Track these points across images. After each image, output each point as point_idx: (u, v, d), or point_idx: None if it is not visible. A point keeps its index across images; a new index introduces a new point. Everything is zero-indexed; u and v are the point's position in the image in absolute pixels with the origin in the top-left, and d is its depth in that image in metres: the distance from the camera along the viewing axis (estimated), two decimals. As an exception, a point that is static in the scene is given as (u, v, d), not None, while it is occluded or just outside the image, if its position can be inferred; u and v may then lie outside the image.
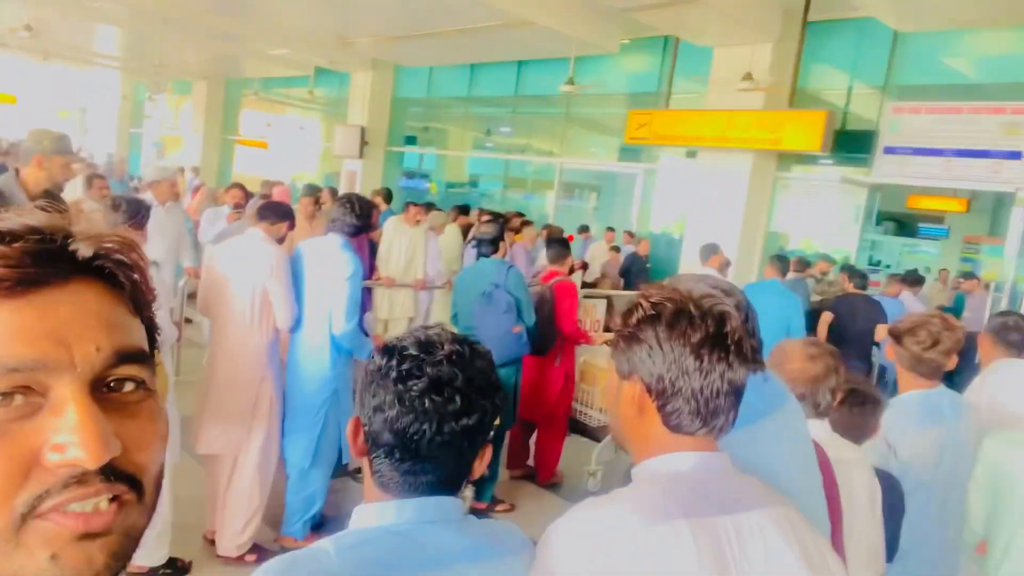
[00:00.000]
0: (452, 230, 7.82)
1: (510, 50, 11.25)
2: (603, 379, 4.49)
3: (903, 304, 6.95)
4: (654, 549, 0.97)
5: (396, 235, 6.56)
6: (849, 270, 7.93)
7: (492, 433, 1.06)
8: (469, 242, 7.68)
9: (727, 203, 8.57)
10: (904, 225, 12.97)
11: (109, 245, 0.53)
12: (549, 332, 4.33)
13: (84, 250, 0.51)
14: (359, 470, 3.90)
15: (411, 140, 15.17)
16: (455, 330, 1.12)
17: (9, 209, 0.52)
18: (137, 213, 3.16)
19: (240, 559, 3.34)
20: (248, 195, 6.71)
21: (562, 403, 4.55)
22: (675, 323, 1.05)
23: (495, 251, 4.20)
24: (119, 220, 3.03)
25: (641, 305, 1.10)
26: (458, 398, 0.97)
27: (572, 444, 4.80)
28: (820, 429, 1.87)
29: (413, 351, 0.99)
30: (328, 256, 3.35)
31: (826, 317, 6.02)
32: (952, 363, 2.36)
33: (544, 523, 1.06)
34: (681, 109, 9.51)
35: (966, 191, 9.12)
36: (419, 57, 13.08)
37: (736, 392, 1.07)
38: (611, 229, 10.19)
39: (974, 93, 7.80)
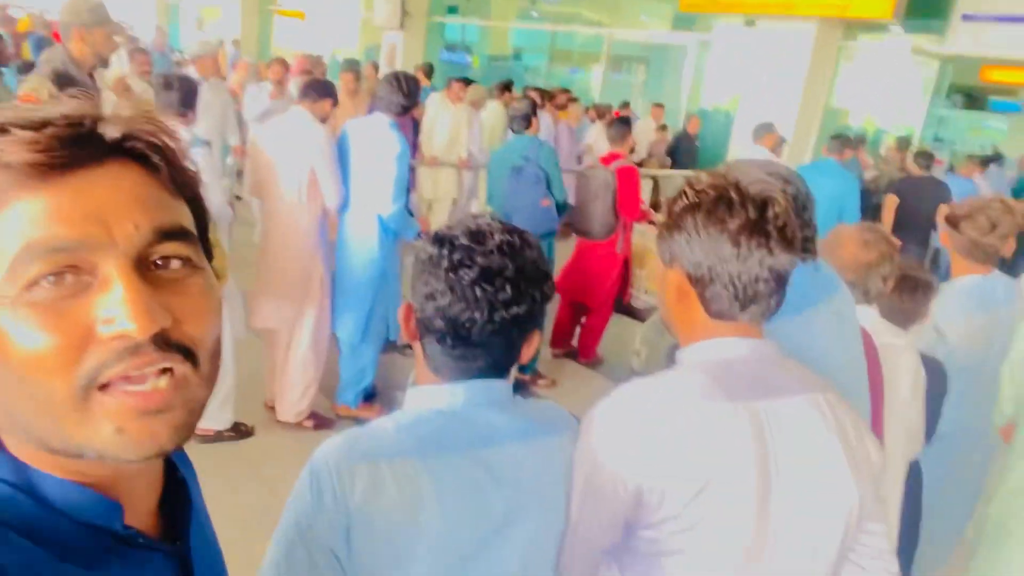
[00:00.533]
0: (495, 107, 7.63)
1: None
2: (651, 262, 4.49)
3: (976, 186, 6.66)
4: (710, 423, 1.01)
5: (439, 113, 6.44)
6: (910, 148, 7.56)
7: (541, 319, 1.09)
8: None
9: (786, 76, 8.13)
10: (974, 99, 12.18)
11: (139, 128, 0.54)
12: (611, 217, 4.31)
13: (112, 132, 0.52)
14: (407, 346, 4.07)
15: (452, 10, 14.55)
16: (494, 212, 1.12)
17: (47, 101, 0.53)
18: (190, 92, 3.15)
19: (299, 424, 3.57)
20: (287, 68, 6.61)
21: (616, 288, 4.58)
22: (714, 210, 1.05)
23: (528, 127, 4.18)
24: (173, 100, 3.03)
25: (686, 193, 1.09)
26: (508, 287, 0.99)
27: (616, 324, 4.87)
28: (869, 315, 1.87)
29: (464, 240, 1.00)
30: (375, 136, 3.33)
31: (891, 201, 5.79)
32: (1009, 248, 2.29)
33: (584, 399, 1.10)
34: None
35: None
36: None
37: (778, 278, 1.06)
38: (659, 105, 9.78)
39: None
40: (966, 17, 7.29)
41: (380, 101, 3.38)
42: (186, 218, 0.56)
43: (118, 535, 0.56)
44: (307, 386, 3.53)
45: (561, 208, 4.16)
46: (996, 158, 7.61)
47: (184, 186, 0.57)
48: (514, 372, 1.12)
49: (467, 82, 7.27)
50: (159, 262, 0.53)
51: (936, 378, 2.01)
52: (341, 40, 17.17)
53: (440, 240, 1.02)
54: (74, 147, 0.50)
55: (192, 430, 0.54)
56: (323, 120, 3.39)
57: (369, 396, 3.80)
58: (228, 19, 18.00)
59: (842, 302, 1.49)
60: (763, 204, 1.04)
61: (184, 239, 0.54)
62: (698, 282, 1.08)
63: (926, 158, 6.24)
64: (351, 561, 0.98)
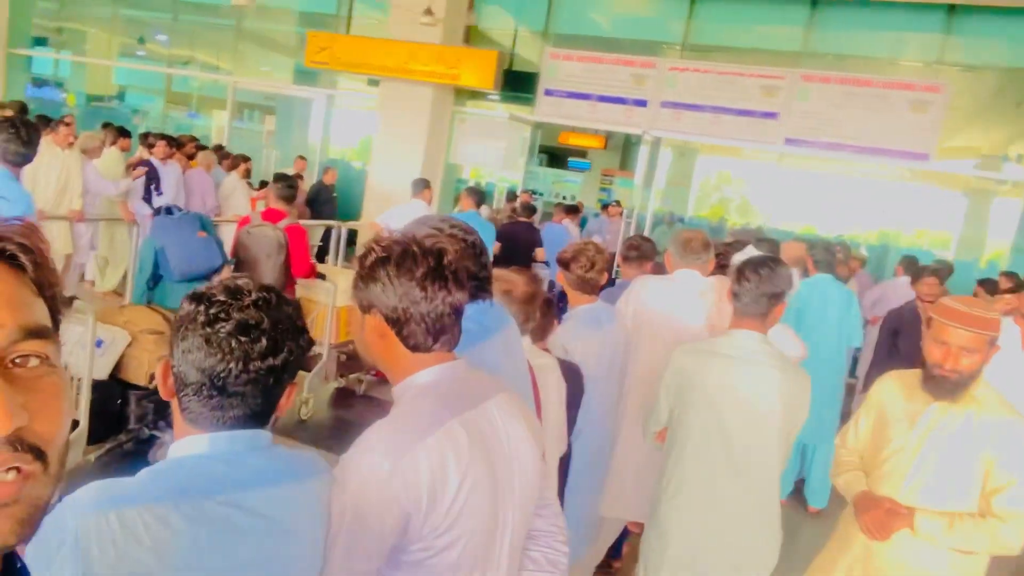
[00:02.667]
0: (113, 154, 6.93)
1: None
2: (313, 310, 4.56)
3: (567, 231, 8.13)
4: (445, 440, 1.21)
5: (45, 158, 5.63)
6: (515, 200, 8.95)
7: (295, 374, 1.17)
8: (132, 167, 6.89)
9: (409, 133, 8.90)
10: (557, 158, 14.71)
11: (9, 231, 0.57)
12: (282, 275, 4.30)
13: None
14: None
15: (40, 42, 12.71)
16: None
17: None
18: None
19: None
20: None
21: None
22: (402, 262, 1.26)
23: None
24: None
25: (374, 249, 1.29)
26: (264, 339, 1.06)
27: None
28: (525, 342, 2.28)
29: (221, 296, 1.06)
30: None
31: (496, 247, 6.74)
32: (604, 279, 2.97)
33: None
34: (364, 36, 9.47)
35: (605, 131, 10.70)
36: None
37: (457, 312, 1.32)
38: (302, 158, 9.86)
39: (613, 46, 9.09)
40: (548, 92, 8.87)
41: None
42: (46, 316, 0.58)
43: None
44: None
45: (218, 241, 4.17)
46: (575, 208, 9.36)
47: (47, 285, 0.59)
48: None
49: (123, 131, 6.76)
50: (17, 360, 0.54)
51: (575, 383, 2.51)
52: None
53: (198, 298, 1.07)
54: None
55: (34, 527, 0.55)
56: None
57: None
58: None
59: (512, 330, 1.85)
60: (439, 254, 1.29)
61: (44, 337, 0.56)
62: (395, 323, 1.28)
63: (529, 209, 7.47)
64: None
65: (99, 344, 3.48)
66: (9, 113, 5.92)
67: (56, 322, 0.61)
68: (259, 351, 1.06)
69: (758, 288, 2.27)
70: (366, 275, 1.28)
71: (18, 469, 0.52)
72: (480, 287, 1.70)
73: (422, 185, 6.28)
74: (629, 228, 8.92)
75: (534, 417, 1.48)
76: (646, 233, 8.77)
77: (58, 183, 5.80)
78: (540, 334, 2.48)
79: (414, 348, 1.29)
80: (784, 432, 2.30)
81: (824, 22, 8.40)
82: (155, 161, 6.92)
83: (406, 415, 1.27)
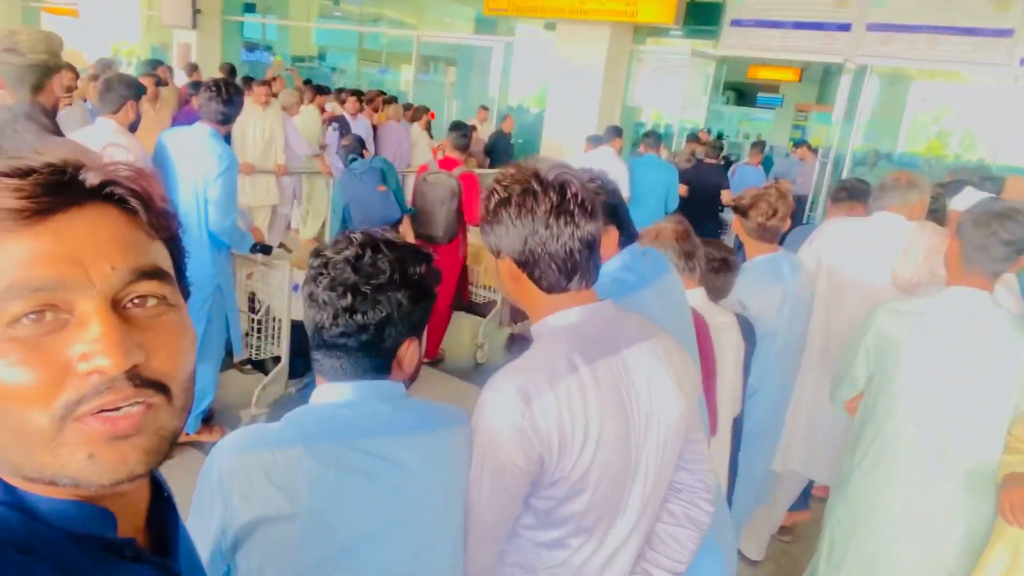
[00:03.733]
0: (309, 111, 7.45)
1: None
2: (485, 259, 4.66)
3: (760, 172, 7.68)
4: (578, 386, 1.16)
5: (248, 117, 6.17)
6: (697, 141, 8.47)
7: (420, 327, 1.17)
8: (328, 123, 7.37)
9: (586, 77, 8.70)
10: (744, 95, 13.76)
11: (119, 174, 0.57)
12: (455, 221, 4.46)
13: (92, 178, 0.55)
14: (246, 362, 3.92)
15: (250, 8, 13.90)
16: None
17: (35, 147, 0.55)
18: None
19: None
20: (77, 75, 6.00)
21: (455, 288, 4.72)
22: (523, 201, 1.19)
23: (361, 157, 4.57)
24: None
25: (496, 190, 1.23)
26: (349, 295, 1.08)
27: (455, 321, 5.02)
28: (697, 296, 2.14)
29: (327, 253, 1.11)
30: (197, 148, 3.17)
31: (682, 189, 6.44)
32: (787, 226, 2.70)
33: (430, 396, 1.22)
34: (539, -22, 9.31)
35: (799, 62, 9.78)
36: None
37: (589, 246, 1.22)
38: (484, 108, 10.04)
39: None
40: (734, 23, 8.24)
41: (200, 110, 3.23)
42: (162, 258, 0.59)
43: (113, 545, 0.58)
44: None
45: (399, 198, 4.35)
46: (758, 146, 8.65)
47: (162, 228, 0.60)
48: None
49: (320, 88, 7.30)
50: (136, 300, 0.56)
51: (749, 341, 2.34)
52: (121, 37, 15.74)
53: (314, 254, 1.12)
54: (56, 193, 0.53)
55: (163, 456, 0.57)
56: (131, 128, 3.16)
57: (208, 419, 3.62)
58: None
59: (671, 282, 1.73)
60: (561, 187, 1.20)
61: (160, 278, 0.57)
62: (525, 265, 1.22)
63: (716, 149, 7.04)
64: (244, 554, 1.02)
65: (295, 288, 3.79)
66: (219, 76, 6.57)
67: (179, 263, 0.63)
68: (344, 306, 1.08)
69: (997, 238, 1.90)
70: (491, 218, 1.23)
71: (140, 403, 0.54)
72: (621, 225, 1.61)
73: (613, 134, 6.11)
74: (825, 169, 8.16)
75: (688, 367, 1.36)
76: (844, 174, 7.99)
77: (263, 139, 6.35)
78: (716, 294, 2.32)
79: (548, 289, 1.24)
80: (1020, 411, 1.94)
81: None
82: (347, 116, 7.36)
83: (538, 359, 1.21)
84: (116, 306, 0.54)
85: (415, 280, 1.13)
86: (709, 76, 9.77)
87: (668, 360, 1.30)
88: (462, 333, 5.28)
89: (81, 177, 0.55)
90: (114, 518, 0.58)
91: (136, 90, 3.16)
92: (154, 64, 6.34)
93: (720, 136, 12.18)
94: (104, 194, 0.56)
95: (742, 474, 2.46)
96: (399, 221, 4.35)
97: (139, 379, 0.54)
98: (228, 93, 3.19)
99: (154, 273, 0.57)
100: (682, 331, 1.74)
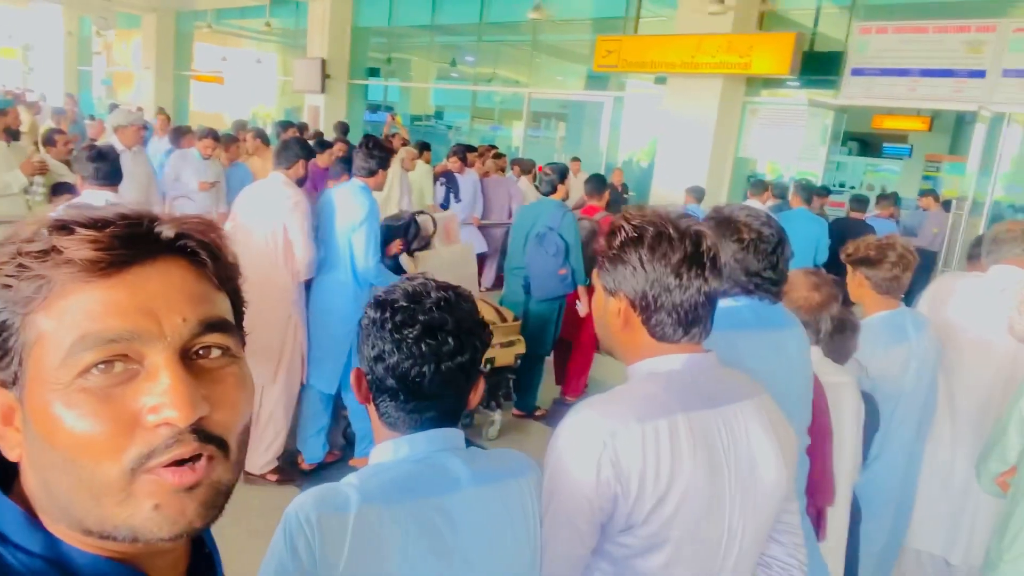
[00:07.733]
0: (422, 167, 7.75)
1: (473, -25, 10.91)
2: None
3: (894, 227, 7.25)
4: (662, 433, 1.08)
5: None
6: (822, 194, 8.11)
7: (484, 367, 1.15)
8: (438, 179, 7.63)
9: (696, 129, 8.59)
10: (868, 145, 13.13)
11: (190, 227, 0.58)
12: (593, 263, 4.50)
13: (167, 231, 0.57)
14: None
15: (374, 72, 14.78)
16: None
17: (107, 204, 0.57)
18: (116, 162, 3.12)
19: (262, 477, 3.61)
20: (218, 140, 6.55)
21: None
22: (656, 245, 1.13)
23: (553, 192, 4.50)
24: (101, 170, 2.99)
25: (624, 228, 1.17)
26: (451, 339, 1.06)
27: (599, 360, 5.07)
28: (815, 354, 1.99)
29: (404, 302, 1.08)
30: (348, 200, 3.54)
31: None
32: (907, 281, 2.49)
33: None
34: (649, 35, 9.38)
35: (929, 110, 9.26)
36: (378, -16, 12.62)
37: (711, 301, 1.16)
38: (576, 159, 10.13)
39: (938, 11, 7.82)
40: (855, 71, 7.92)
41: (354, 166, 3.60)
42: (227, 310, 0.60)
43: None
44: (273, 440, 3.61)
45: (576, 272, 4.42)
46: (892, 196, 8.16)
47: (227, 280, 0.61)
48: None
49: (425, 145, 7.68)
50: (200, 351, 0.56)
51: (870, 408, 2.15)
52: (259, 101, 17.11)
53: (381, 304, 1.09)
54: (131, 246, 0.54)
55: (219, 510, 0.57)
56: (299, 183, 3.54)
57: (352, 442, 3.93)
58: (141, 85, 17.68)
59: (790, 338, 1.60)
60: (697, 238, 1.14)
61: (225, 330, 0.58)
62: (643, 310, 1.16)
63: (861, 203, 6.71)
64: None
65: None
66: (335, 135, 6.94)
67: (240, 314, 0.64)
68: (448, 351, 1.06)
69: None
70: (614, 256, 1.18)
71: (202, 456, 0.54)
72: (761, 286, 1.51)
73: (762, 187, 6.56)
74: (959, 221, 7.58)
75: (789, 432, 1.25)
76: (982, 227, 7.39)
77: (383, 192, 6.66)
78: (835, 356, 2.15)
79: (660, 338, 1.17)
80: None
81: None
82: (454, 171, 7.58)
83: (631, 393, 1.15)
84: (183, 358, 0.55)
85: (483, 321, 1.13)
86: (828, 126, 9.39)
87: (771, 421, 1.21)
88: (602, 371, 5.32)
89: (157, 230, 0.56)
90: None
91: (307, 152, 3.59)
92: (285, 125, 6.82)
93: (841, 187, 11.64)
94: (176, 246, 0.57)
95: (864, 548, 2.24)
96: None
97: (202, 432, 0.54)
98: (375, 150, 3.52)
99: (220, 325, 0.58)
100: (795, 389, 1.62)
